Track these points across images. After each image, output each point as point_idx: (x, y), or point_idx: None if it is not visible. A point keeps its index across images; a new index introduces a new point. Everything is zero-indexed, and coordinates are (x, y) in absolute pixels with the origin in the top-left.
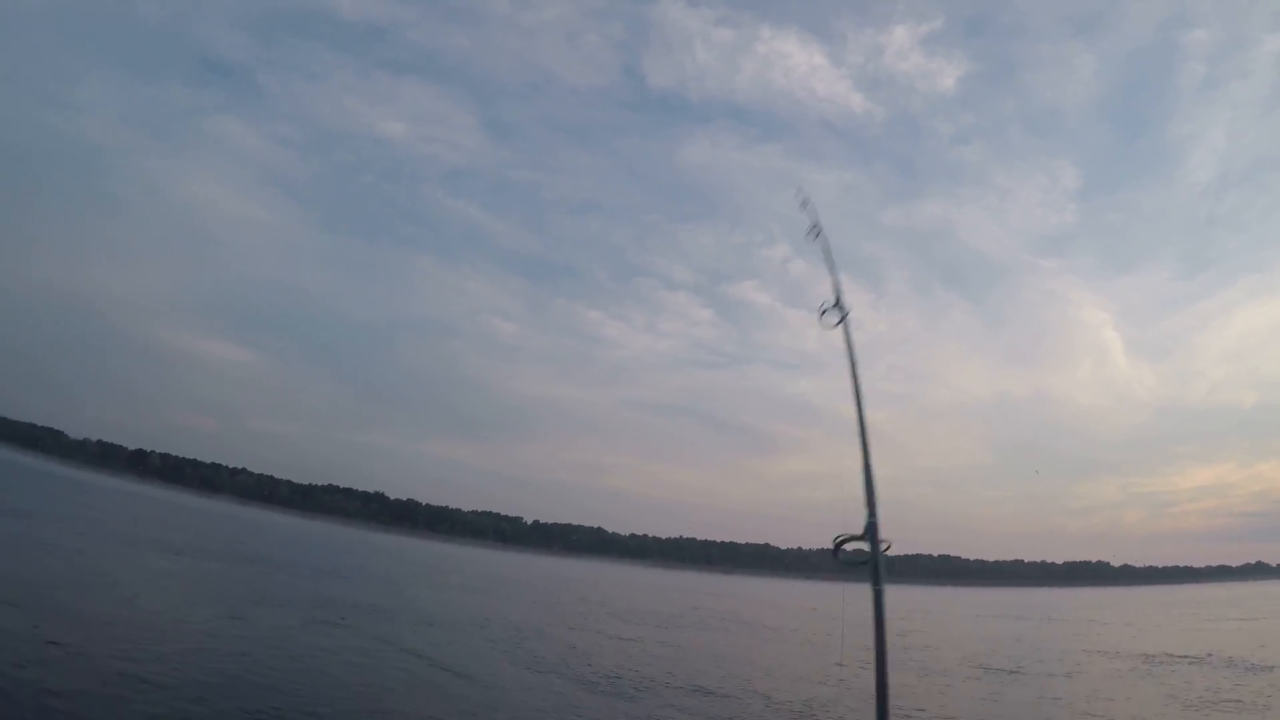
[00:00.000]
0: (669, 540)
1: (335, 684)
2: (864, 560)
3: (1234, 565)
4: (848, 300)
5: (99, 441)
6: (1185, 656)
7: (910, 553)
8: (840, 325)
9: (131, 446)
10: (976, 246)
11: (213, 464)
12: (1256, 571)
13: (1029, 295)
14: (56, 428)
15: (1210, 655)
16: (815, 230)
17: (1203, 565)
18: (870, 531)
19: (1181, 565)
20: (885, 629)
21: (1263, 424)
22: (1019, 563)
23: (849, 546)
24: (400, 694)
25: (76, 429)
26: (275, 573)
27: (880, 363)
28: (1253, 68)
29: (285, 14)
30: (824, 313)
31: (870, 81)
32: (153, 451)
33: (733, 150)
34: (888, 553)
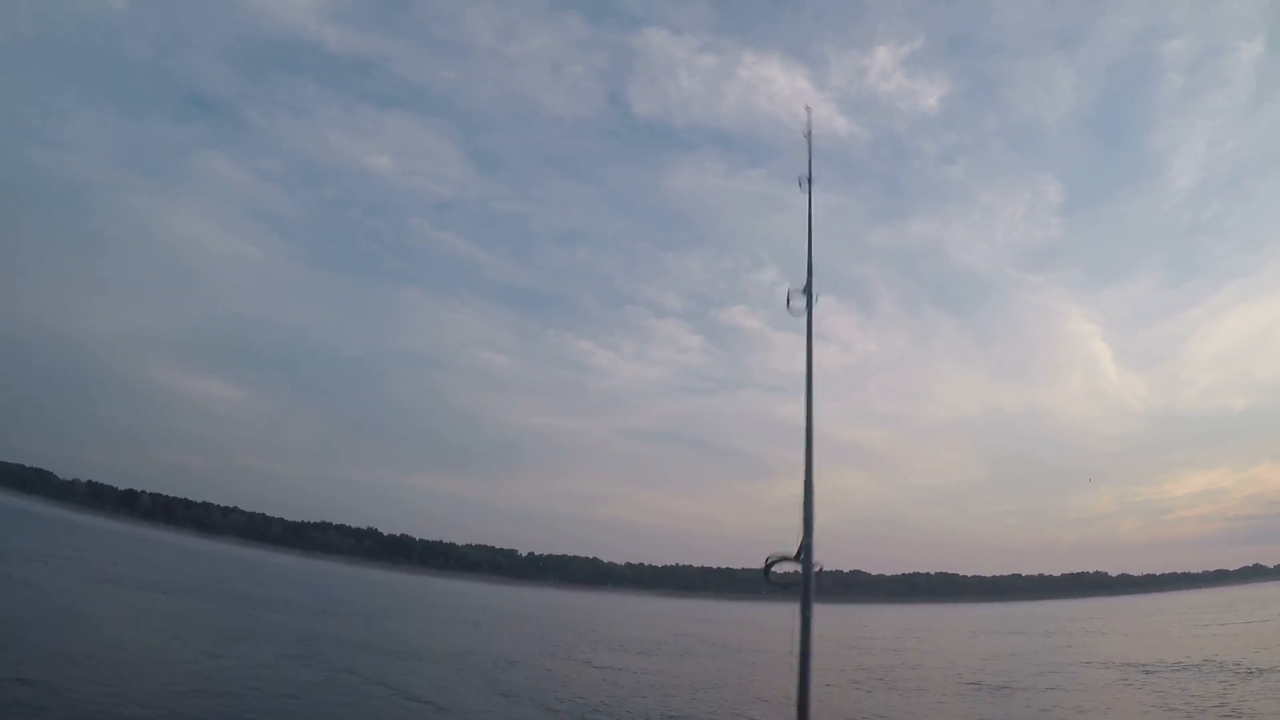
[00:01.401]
0: (665, 568)
1: (293, 715)
2: (794, 582)
3: (1232, 569)
4: (817, 289)
5: (89, 482)
6: (1180, 664)
7: (907, 571)
8: (806, 311)
9: (122, 487)
10: (964, 264)
11: (204, 503)
12: (1254, 574)
13: (1017, 310)
14: (45, 468)
15: (1205, 661)
16: (807, 180)
17: (1200, 571)
18: (804, 553)
19: (1179, 572)
20: (810, 653)
21: (1254, 428)
22: (1017, 576)
23: (782, 568)
24: None
25: (66, 470)
26: (258, 610)
27: (871, 383)
28: (1230, 76)
29: (271, 49)
30: (790, 300)
31: (854, 103)
32: (143, 492)
33: (718, 176)
34: (819, 572)
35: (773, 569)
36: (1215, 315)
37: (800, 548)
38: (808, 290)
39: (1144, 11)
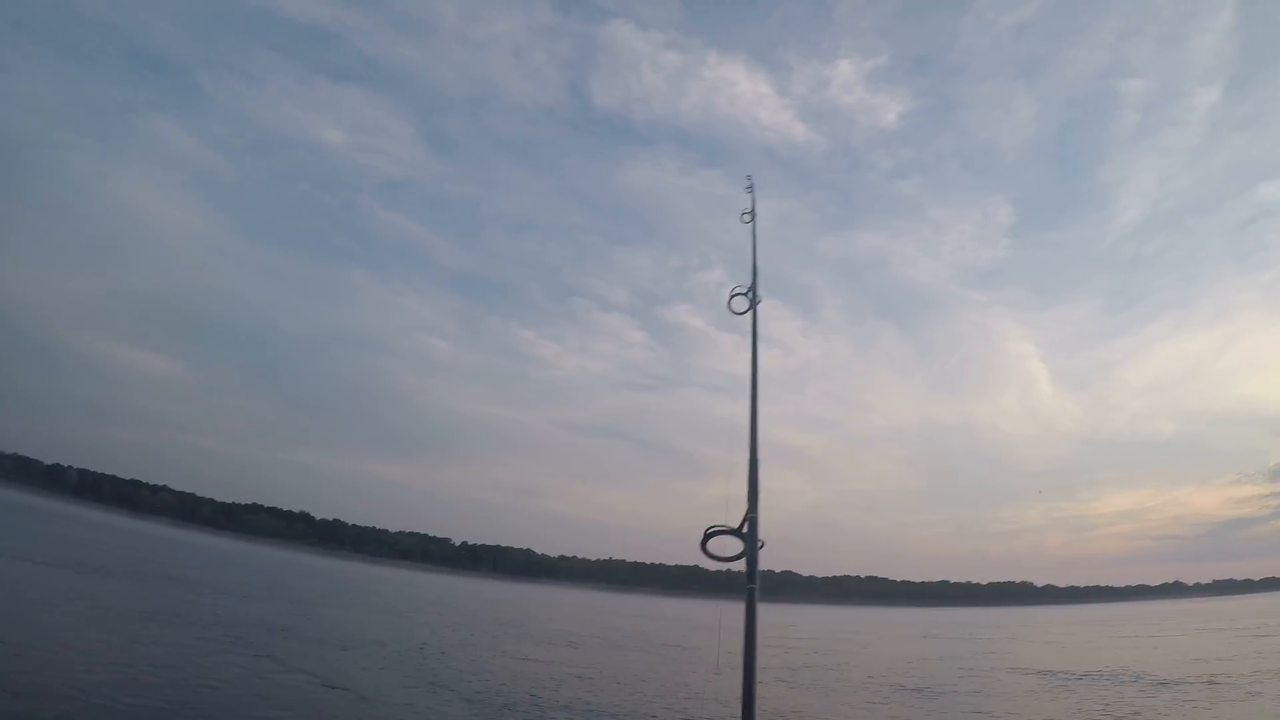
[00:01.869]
0: (598, 562)
1: (208, 702)
2: (736, 556)
3: (1153, 584)
4: (762, 293)
5: (13, 455)
6: (1098, 673)
7: (838, 574)
8: (749, 313)
9: (48, 461)
10: (909, 277)
11: (132, 480)
12: (1174, 590)
13: (959, 326)
14: None
15: (1122, 671)
16: (750, 214)
17: (1123, 585)
18: (749, 527)
19: (1102, 585)
20: (756, 632)
21: (1180, 453)
22: (945, 583)
23: (721, 543)
24: (274, 711)
25: None
26: (179, 592)
27: (811, 389)
28: (1185, 119)
29: (228, 12)
30: (734, 297)
31: (814, 113)
32: (70, 466)
33: (674, 174)
34: (761, 549)
35: (710, 540)
36: (1150, 344)
37: (744, 520)
38: (752, 291)
39: (1107, 49)
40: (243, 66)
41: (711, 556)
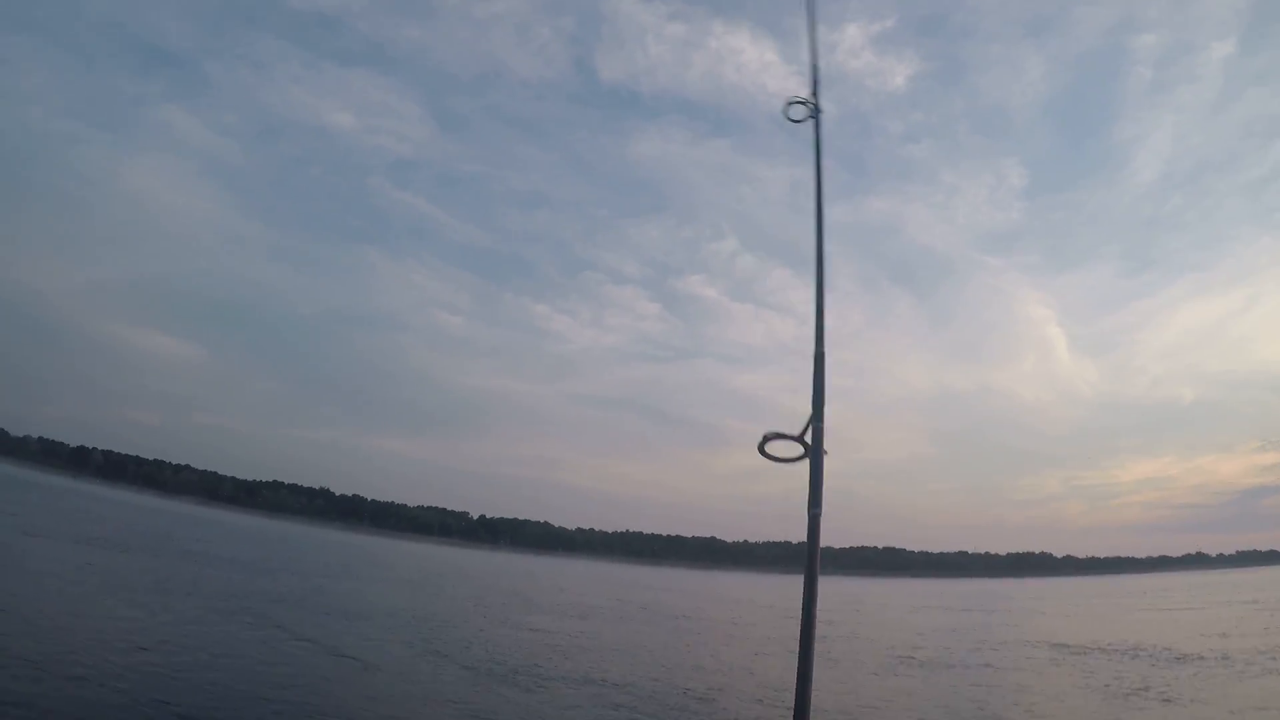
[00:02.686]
0: (615, 534)
1: (209, 666)
2: (797, 459)
3: (1174, 555)
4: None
5: (40, 438)
6: (1113, 647)
7: (854, 545)
8: (811, 121)
9: (73, 443)
10: (924, 243)
11: (155, 461)
12: (1196, 561)
13: (974, 291)
14: None
15: (1137, 645)
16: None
17: (1144, 556)
18: (814, 434)
19: (1123, 556)
20: (817, 562)
21: (1201, 419)
22: (963, 554)
23: (780, 447)
24: (277, 677)
25: (17, 426)
26: (195, 565)
27: (827, 357)
28: (1200, 73)
29: (233, 2)
30: (792, 104)
31: (822, 78)
32: (95, 448)
33: (683, 145)
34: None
35: (769, 444)
36: (1169, 307)
37: (808, 425)
38: (814, 96)
39: (1118, 4)
40: (250, 55)
41: (770, 457)
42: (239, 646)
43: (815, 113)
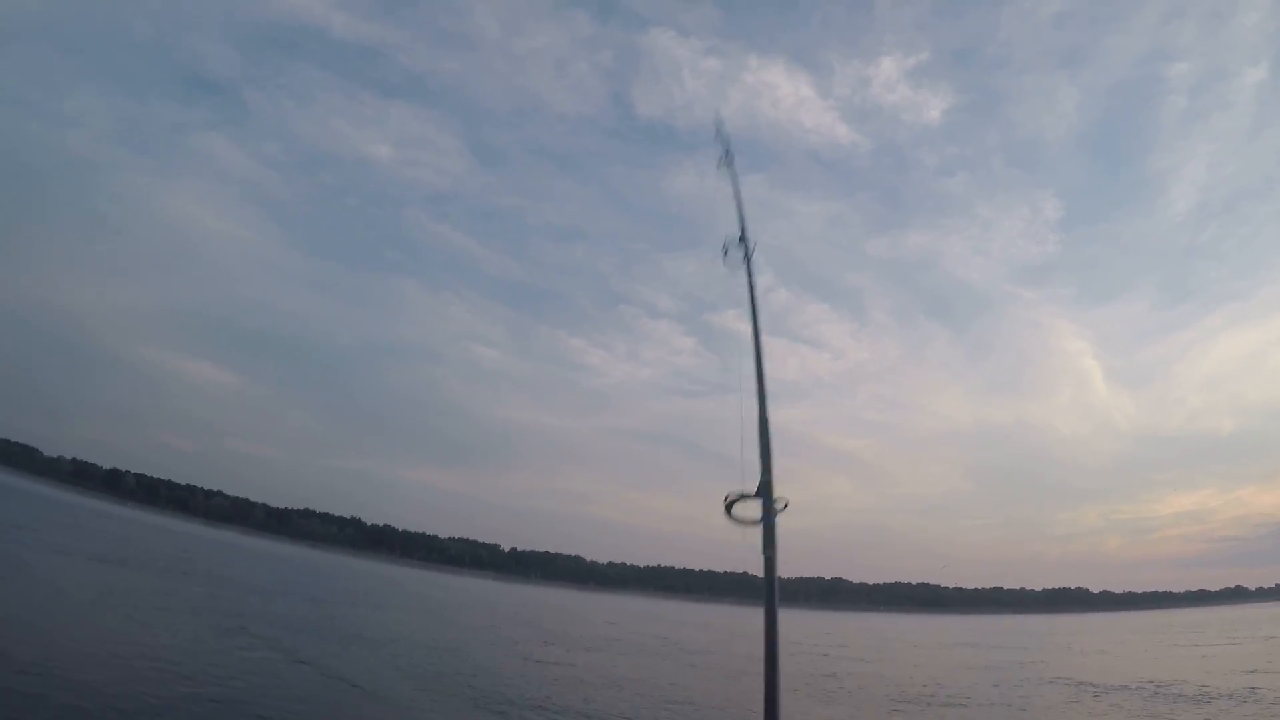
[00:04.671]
0: (647, 568)
1: (188, 681)
2: (757, 520)
3: (1213, 590)
4: (753, 235)
5: (74, 460)
6: (1138, 686)
7: (889, 581)
8: (745, 264)
9: (107, 466)
10: (960, 277)
11: (188, 485)
12: (1235, 595)
13: (1010, 325)
14: (31, 445)
15: (1164, 684)
16: (726, 158)
17: (1182, 590)
18: (764, 490)
19: (1161, 590)
20: (776, 599)
21: (1241, 450)
22: (998, 590)
23: (744, 508)
24: (253, 694)
25: (52, 447)
26: (208, 587)
27: (861, 392)
28: (1233, 100)
29: (275, 32)
30: (727, 252)
31: (857, 113)
32: (128, 471)
33: (718, 179)
34: (784, 510)
35: (734, 506)
36: (1207, 338)
37: (760, 485)
38: (744, 241)
39: (1150, 33)
40: (291, 85)
41: (735, 521)
42: (227, 664)
43: (749, 254)
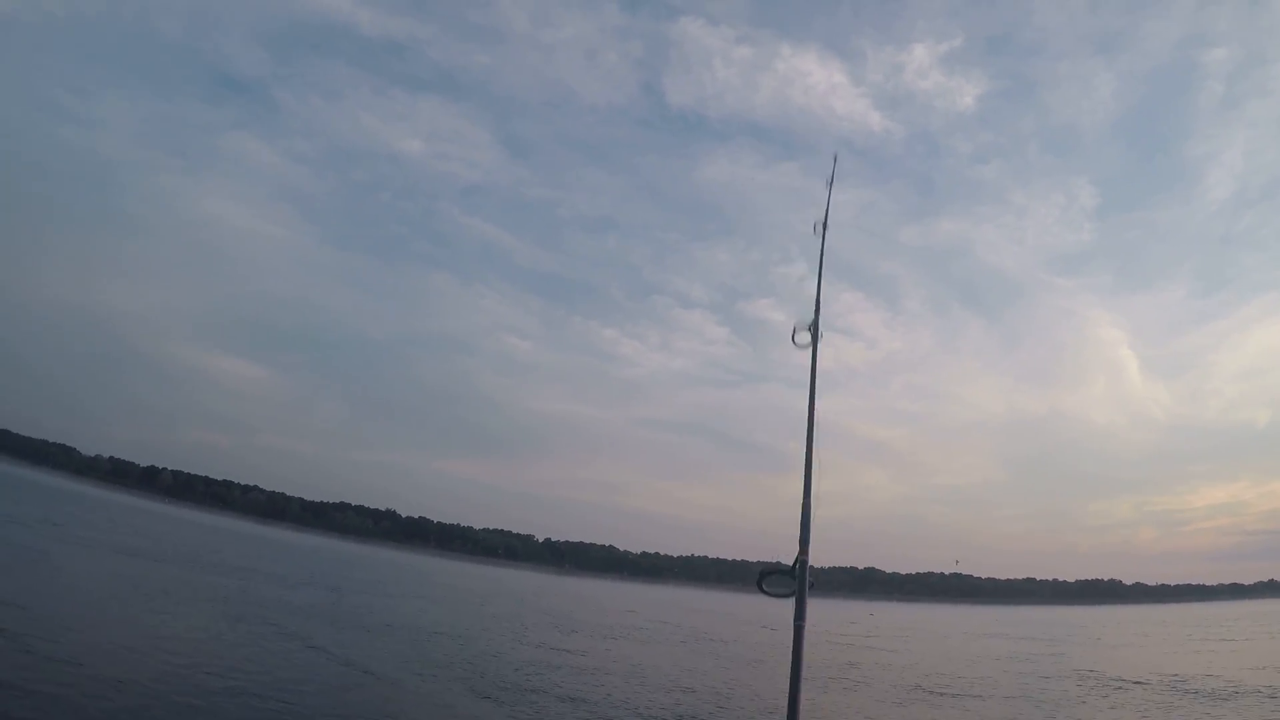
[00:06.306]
0: (680, 558)
1: (197, 668)
2: (789, 594)
3: (1247, 583)
4: (833, 320)
5: (111, 458)
6: (1157, 679)
7: (921, 571)
8: (810, 347)
9: (143, 463)
10: (994, 265)
11: (224, 481)
12: (1270, 589)
13: (1045, 313)
14: (69, 444)
15: (1189, 678)
16: (822, 226)
17: (1215, 583)
18: (800, 569)
19: (1195, 583)
20: (802, 666)
21: (1277, 442)
22: (1031, 580)
23: (774, 582)
24: (265, 680)
25: (89, 446)
26: (232, 578)
27: (895, 381)
28: (1272, 86)
29: (304, 30)
30: (796, 332)
31: (889, 100)
32: (164, 469)
33: (751, 168)
34: (812, 583)
35: (766, 579)
36: (1244, 327)
37: (796, 562)
38: (814, 328)
39: (1186, 19)
40: (321, 82)
41: (766, 593)
42: (238, 651)
43: (815, 338)
